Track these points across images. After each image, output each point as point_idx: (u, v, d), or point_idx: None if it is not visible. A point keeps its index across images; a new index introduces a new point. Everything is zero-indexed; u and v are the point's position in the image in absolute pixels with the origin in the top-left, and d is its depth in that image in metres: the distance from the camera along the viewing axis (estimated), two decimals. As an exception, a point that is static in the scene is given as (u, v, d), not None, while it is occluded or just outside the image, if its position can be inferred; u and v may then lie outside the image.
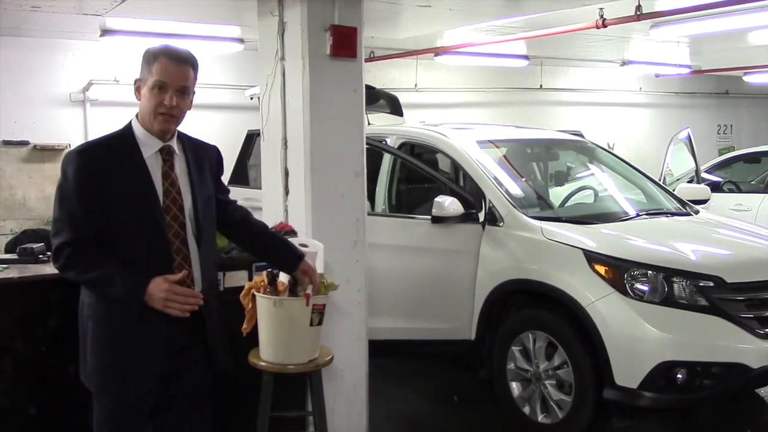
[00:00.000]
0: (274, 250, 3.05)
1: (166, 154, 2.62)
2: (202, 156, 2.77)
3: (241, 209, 3.03)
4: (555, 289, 4.14)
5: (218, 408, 2.91)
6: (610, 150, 7.01)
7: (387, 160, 5.42)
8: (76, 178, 2.49)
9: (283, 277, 3.13)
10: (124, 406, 2.59)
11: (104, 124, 7.46)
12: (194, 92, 2.67)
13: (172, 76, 2.54)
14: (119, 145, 2.58)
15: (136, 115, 2.64)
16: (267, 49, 3.96)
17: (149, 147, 2.59)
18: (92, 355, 2.57)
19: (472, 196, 4.72)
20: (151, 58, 2.57)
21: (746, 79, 12.09)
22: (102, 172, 2.50)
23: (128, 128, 2.63)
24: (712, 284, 3.93)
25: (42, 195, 7.74)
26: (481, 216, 4.63)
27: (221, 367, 2.76)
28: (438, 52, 8.95)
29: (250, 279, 3.44)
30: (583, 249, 4.13)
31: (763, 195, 8.26)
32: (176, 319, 2.53)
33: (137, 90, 2.62)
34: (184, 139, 2.73)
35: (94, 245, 2.51)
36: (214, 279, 2.80)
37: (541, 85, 11.32)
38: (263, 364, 3.13)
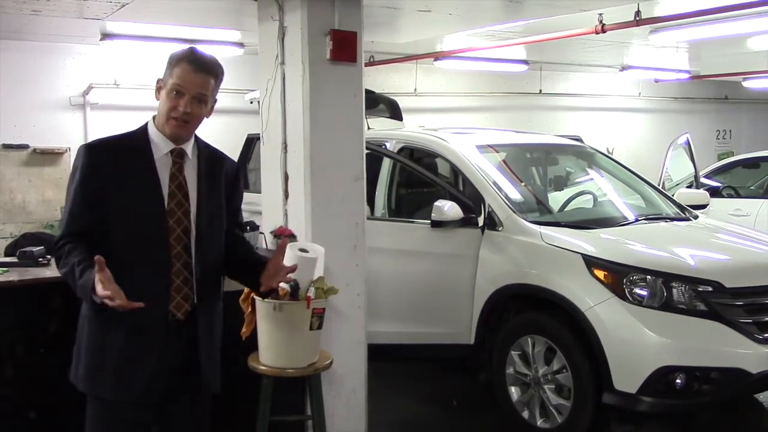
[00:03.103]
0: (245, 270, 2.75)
1: (177, 156, 2.55)
2: (218, 168, 2.66)
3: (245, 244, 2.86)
4: (554, 293, 4.15)
5: (217, 412, 2.90)
6: (609, 155, 7.01)
7: (386, 164, 5.42)
8: (81, 172, 2.46)
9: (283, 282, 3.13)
10: (111, 411, 2.51)
11: (104, 127, 7.48)
12: (216, 99, 2.59)
13: (189, 83, 2.47)
14: (131, 144, 2.54)
15: (154, 117, 2.58)
16: (267, 54, 3.97)
17: (161, 148, 2.53)
18: (85, 354, 2.51)
19: (471, 200, 4.72)
20: (173, 61, 2.51)
21: (745, 84, 12.11)
22: (108, 168, 2.46)
23: (143, 128, 2.58)
24: (710, 289, 3.93)
25: (42, 198, 7.72)
26: (481, 220, 4.63)
27: (209, 389, 2.66)
28: (438, 56, 8.96)
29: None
30: (582, 254, 4.14)
31: (762, 200, 8.24)
32: (171, 331, 2.48)
33: (157, 90, 2.54)
34: (201, 146, 2.65)
35: (83, 240, 2.43)
36: (211, 295, 2.62)
37: (540, 90, 11.33)
38: (263, 368, 3.13)
